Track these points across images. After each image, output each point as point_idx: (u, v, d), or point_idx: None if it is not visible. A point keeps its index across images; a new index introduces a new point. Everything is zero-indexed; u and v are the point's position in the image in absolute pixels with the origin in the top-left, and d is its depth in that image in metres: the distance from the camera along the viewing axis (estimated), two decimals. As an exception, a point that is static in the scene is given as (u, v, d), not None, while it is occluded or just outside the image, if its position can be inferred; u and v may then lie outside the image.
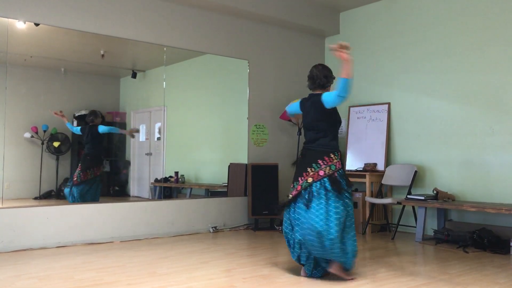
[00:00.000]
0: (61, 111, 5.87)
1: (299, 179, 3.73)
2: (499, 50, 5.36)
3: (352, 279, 3.65)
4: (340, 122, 3.86)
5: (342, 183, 3.66)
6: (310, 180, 3.66)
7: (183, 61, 6.60)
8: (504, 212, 4.68)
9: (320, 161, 3.69)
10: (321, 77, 3.83)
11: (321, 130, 3.76)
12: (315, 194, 3.61)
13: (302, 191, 3.67)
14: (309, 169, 3.70)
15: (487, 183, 5.38)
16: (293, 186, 3.77)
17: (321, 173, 3.66)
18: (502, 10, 5.35)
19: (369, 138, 6.60)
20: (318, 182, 3.63)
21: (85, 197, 5.81)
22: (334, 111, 3.80)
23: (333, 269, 3.60)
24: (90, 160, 6.04)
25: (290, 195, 3.76)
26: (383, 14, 6.59)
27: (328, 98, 3.70)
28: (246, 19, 6.52)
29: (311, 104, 3.82)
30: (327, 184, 3.62)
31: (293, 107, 4.15)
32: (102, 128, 6.08)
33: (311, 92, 3.92)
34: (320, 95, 3.78)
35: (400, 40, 6.37)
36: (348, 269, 3.67)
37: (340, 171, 3.72)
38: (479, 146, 5.48)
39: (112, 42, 5.67)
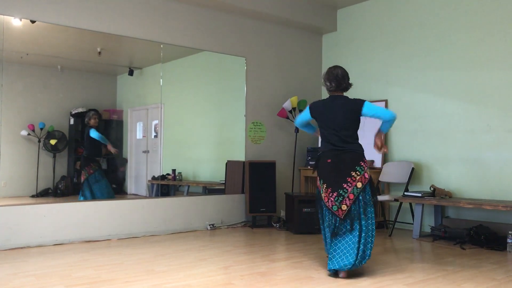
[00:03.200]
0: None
1: (344, 185, 3.64)
2: (496, 47, 5.36)
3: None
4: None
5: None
6: (359, 185, 3.63)
7: (180, 58, 6.58)
8: (501, 209, 4.69)
9: (362, 163, 3.70)
10: (346, 80, 3.80)
11: (352, 133, 3.75)
12: (367, 198, 3.65)
13: (360, 198, 3.63)
14: (353, 173, 3.65)
15: (484, 180, 5.39)
16: (341, 195, 3.62)
17: (367, 175, 3.67)
18: (500, 6, 5.35)
19: (366, 135, 6.58)
20: (367, 186, 3.65)
21: (91, 196, 5.90)
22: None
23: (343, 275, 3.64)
24: (82, 161, 6.11)
25: (344, 205, 3.61)
26: (380, 11, 6.59)
27: (375, 109, 3.69)
28: (243, 16, 6.51)
29: (341, 106, 3.73)
30: (369, 187, 3.68)
31: (303, 116, 4.00)
32: (93, 133, 6.09)
33: (330, 94, 3.84)
34: (352, 101, 3.74)
35: (397, 37, 6.37)
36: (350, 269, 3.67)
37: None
38: (476, 143, 5.49)
39: (109, 39, 5.65)
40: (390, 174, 6.07)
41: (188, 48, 6.12)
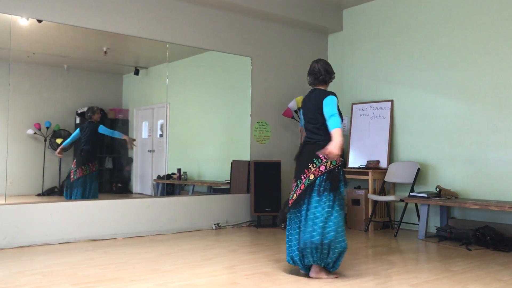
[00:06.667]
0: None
1: (302, 176, 3.66)
2: (503, 47, 5.33)
3: (336, 277, 3.63)
4: (341, 116, 3.74)
5: (340, 180, 3.62)
6: (312, 176, 3.59)
7: (186, 58, 6.59)
8: (507, 209, 4.67)
9: (321, 156, 3.60)
10: (324, 73, 3.77)
11: (322, 123, 3.65)
12: (315, 190, 3.58)
13: (308, 189, 3.59)
14: (310, 165, 3.63)
15: (490, 181, 5.37)
16: (297, 185, 3.68)
17: (322, 168, 3.59)
18: (506, 7, 5.33)
19: (372, 135, 6.59)
20: (319, 178, 3.58)
21: (82, 194, 5.79)
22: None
23: (313, 273, 3.59)
24: (84, 156, 6.00)
25: (294, 195, 3.68)
26: (387, 11, 6.57)
27: (329, 110, 3.57)
28: (249, 16, 6.51)
29: (314, 98, 3.74)
30: (324, 179, 3.57)
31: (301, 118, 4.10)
32: (102, 129, 6.03)
33: (312, 87, 3.85)
34: (323, 92, 3.71)
35: (403, 37, 6.35)
36: (329, 269, 3.65)
37: (339, 167, 3.66)
38: (482, 143, 5.46)
39: (115, 39, 5.67)
40: (396, 174, 6.05)
41: (194, 48, 6.13)
